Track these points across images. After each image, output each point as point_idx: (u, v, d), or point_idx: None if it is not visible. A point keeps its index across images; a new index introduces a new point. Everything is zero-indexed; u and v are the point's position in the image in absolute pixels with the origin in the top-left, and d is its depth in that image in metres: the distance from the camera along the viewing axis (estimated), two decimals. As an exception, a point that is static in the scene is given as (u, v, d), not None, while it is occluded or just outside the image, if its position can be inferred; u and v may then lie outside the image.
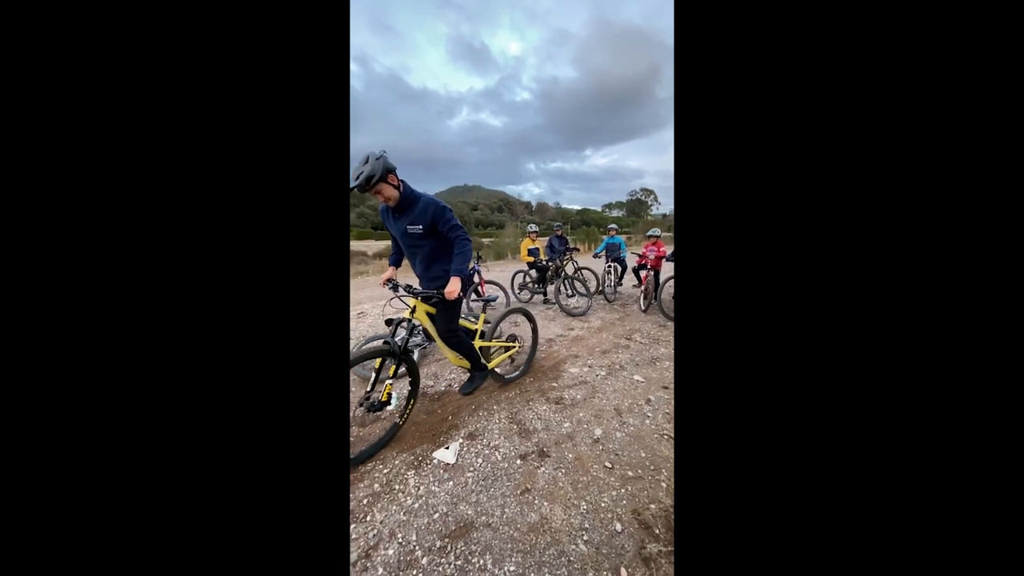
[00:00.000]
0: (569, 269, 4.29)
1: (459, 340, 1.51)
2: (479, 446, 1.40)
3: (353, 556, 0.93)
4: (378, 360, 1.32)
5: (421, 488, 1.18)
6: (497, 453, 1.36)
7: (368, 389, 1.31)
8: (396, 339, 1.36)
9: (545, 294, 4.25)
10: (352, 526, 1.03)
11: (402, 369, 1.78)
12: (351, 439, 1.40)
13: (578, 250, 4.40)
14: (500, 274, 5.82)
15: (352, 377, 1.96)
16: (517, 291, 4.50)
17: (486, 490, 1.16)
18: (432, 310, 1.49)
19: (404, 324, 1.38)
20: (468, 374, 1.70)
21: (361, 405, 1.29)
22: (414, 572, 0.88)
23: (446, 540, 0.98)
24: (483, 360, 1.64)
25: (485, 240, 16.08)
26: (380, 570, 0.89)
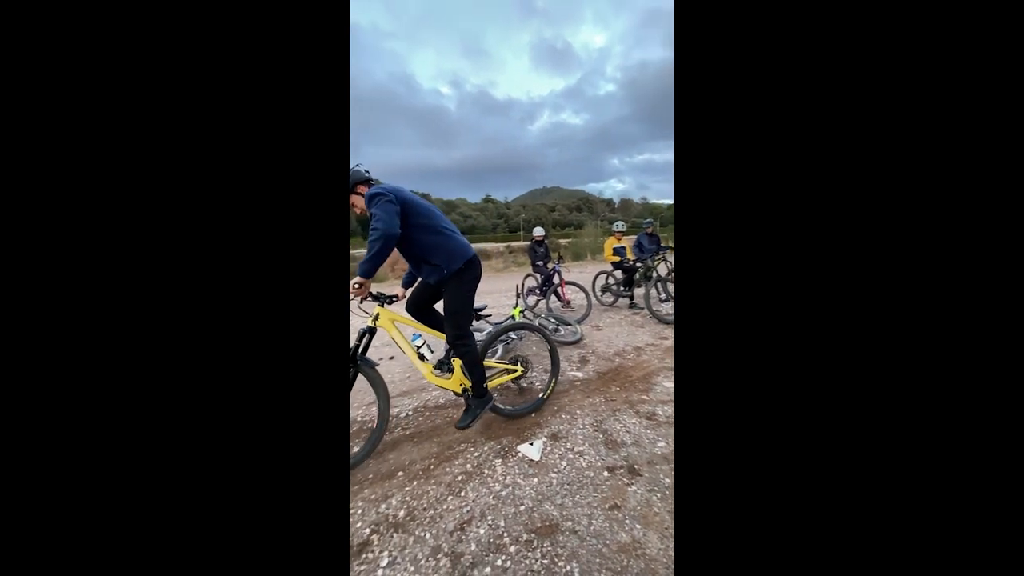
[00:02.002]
0: (662, 270, 3.85)
1: (468, 350, 1.29)
2: (563, 448, 1.38)
3: (451, 525, 1.04)
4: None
5: (507, 478, 1.23)
6: (582, 460, 1.31)
7: None
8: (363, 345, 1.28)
9: (631, 297, 3.92)
10: (449, 498, 1.15)
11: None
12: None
13: (672, 249, 3.92)
14: (579, 275, 5.65)
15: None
16: (599, 293, 4.28)
17: (571, 495, 1.13)
18: (400, 318, 1.37)
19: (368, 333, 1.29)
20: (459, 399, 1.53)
21: None
22: (503, 557, 0.93)
23: (532, 535, 0.99)
24: (486, 384, 1.38)
25: (562, 241, 15.79)
26: (473, 546, 0.97)
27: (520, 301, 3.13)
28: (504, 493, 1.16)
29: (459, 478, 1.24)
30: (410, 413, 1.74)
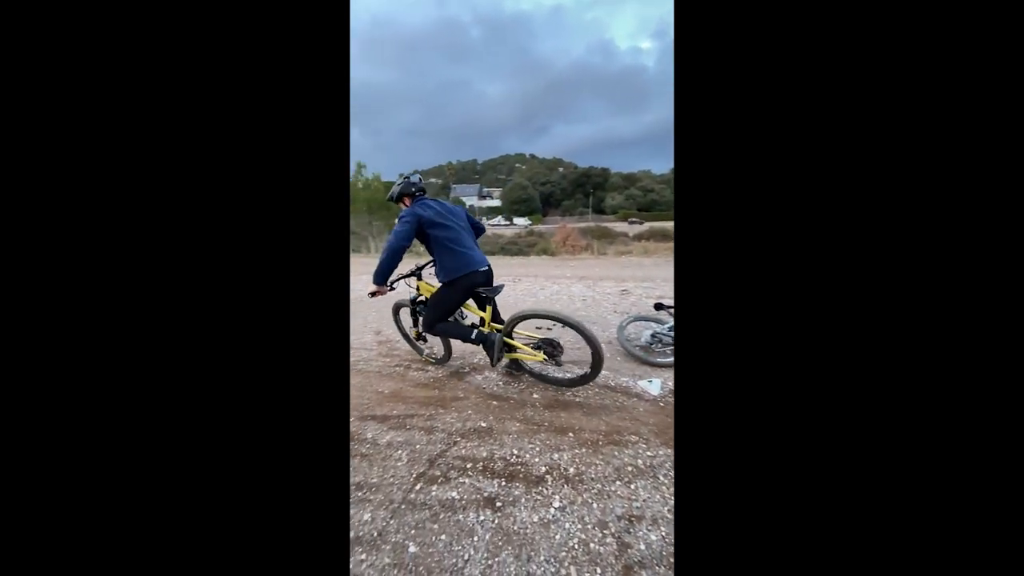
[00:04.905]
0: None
1: (437, 332, 1.70)
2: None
3: (618, 511, 1.02)
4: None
5: (688, 499, 1.06)
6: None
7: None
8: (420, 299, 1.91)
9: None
10: (617, 483, 1.12)
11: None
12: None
13: None
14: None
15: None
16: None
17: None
18: (430, 287, 1.79)
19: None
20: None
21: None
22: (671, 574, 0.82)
23: (721, 584, 0.81)
24: (476, 328, 1.66)
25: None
26: (642, 545, 0.91)
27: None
28: (684, 514, 1.00)
29: (628, 468, 1.19)
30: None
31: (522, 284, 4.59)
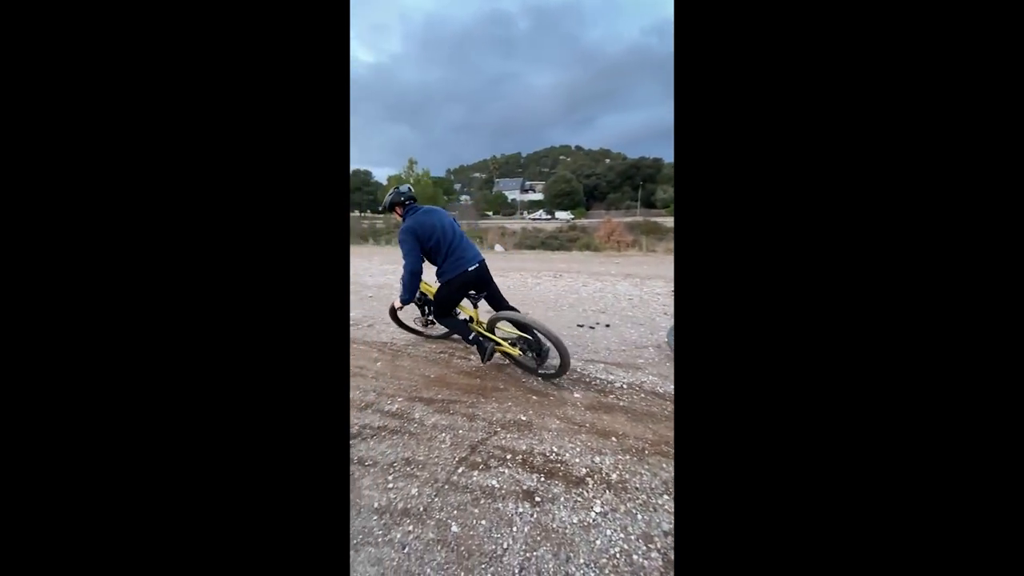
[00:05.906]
0: None
1: (442, 323, 1.96)
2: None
3: (666, 526, 0.95)
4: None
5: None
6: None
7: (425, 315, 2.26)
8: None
9: None
10: (665, 496, 1.05)
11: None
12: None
13: None
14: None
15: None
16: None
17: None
18: (431, 288, 2.04)
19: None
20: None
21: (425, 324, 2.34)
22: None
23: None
24: (474, 332, 1.87)
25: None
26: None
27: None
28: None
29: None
30: (624, 386, 1.74)
31: (563, 280, 4.49)
